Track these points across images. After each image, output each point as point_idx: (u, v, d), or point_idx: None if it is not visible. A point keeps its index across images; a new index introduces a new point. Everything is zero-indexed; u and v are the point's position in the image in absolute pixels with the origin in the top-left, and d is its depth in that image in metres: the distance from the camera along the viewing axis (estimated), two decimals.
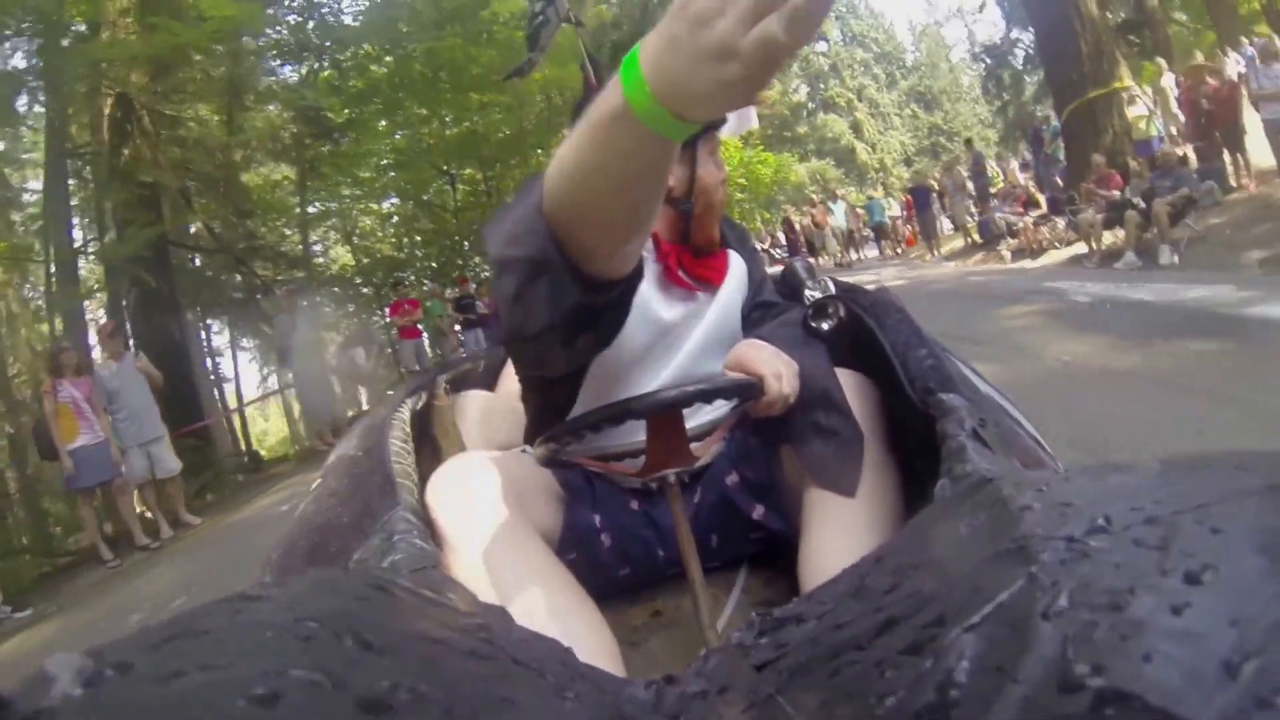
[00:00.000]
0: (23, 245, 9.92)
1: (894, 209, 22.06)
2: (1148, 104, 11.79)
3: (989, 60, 28.56)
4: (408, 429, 1.35)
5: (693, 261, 1.36)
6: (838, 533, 1.11)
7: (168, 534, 7.49)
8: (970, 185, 16.24)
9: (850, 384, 1.22)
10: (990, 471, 0.79)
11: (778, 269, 1.74)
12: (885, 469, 1.18)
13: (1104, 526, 0.41)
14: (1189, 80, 10.74)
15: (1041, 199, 13.24)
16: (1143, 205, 9.06)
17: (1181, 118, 11.24)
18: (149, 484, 7.68)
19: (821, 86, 36.46)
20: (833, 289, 1.49)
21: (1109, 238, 9.97)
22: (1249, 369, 4.29)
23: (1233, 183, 10.16)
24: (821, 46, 37.23)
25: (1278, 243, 7.83)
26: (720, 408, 1.24)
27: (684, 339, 1.32)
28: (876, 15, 38.49)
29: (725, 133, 1.35)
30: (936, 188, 18.15)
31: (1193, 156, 10.35)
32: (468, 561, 1.04)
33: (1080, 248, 10.70)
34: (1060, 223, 11.74)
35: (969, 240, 15.88)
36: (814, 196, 25.94)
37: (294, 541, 1.23)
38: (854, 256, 20.68)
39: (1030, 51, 24.82)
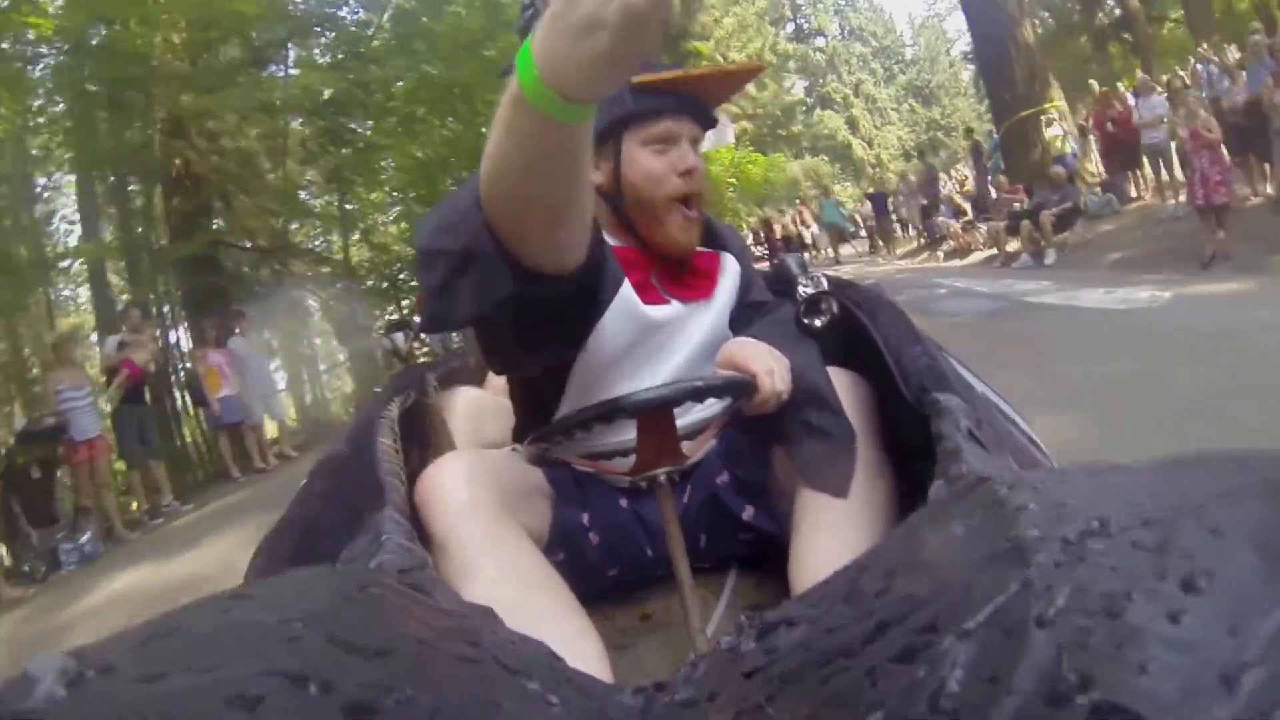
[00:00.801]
0: (103, 244, 11.51)
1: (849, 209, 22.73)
2: (1063, 126, 13.60)
3: (974, 62, 28.83)
4: (396, 427, 1.33)
5: (668, 276, 1.34)
6: (829, 534, 1.10)
7: (273, 463, 9.95)
8: (919, 193, 17.80)
9: (843, 382, 1.21)
10: (985, 471, 0.78)
11: (764, 265, 1.72)
12: (878, 469, 1.17)
13: (1101, 528, 0.40)
14: (1097, 106, 12.34)
15: (967, 207, 15.10)
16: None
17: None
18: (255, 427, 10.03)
19: (819, 82, 36.37)
20: (825, 285, 1.48)
21: (1015, 243, 11.78)
22: (1041, 342, 5.72)
23: (1133, 194, 11.89)
24: (819, 42, 37.22)
25: (1134, 247, 9.56)
26: (712, 406, 1.23)
27: (675, 341, 1.31)
28: (876, 8, 38.29)
29: (703, 147, 1.32)
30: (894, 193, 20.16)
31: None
32: (456, 562, 1.03)
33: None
34: (984, 228, 13.50)
35: (920, 241, 17.72)
36: (809, 193, 25.89)
37: (280, 541, 1.21)
38: (829, 254, 20.96)
39: None
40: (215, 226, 12.27)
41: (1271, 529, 0.36)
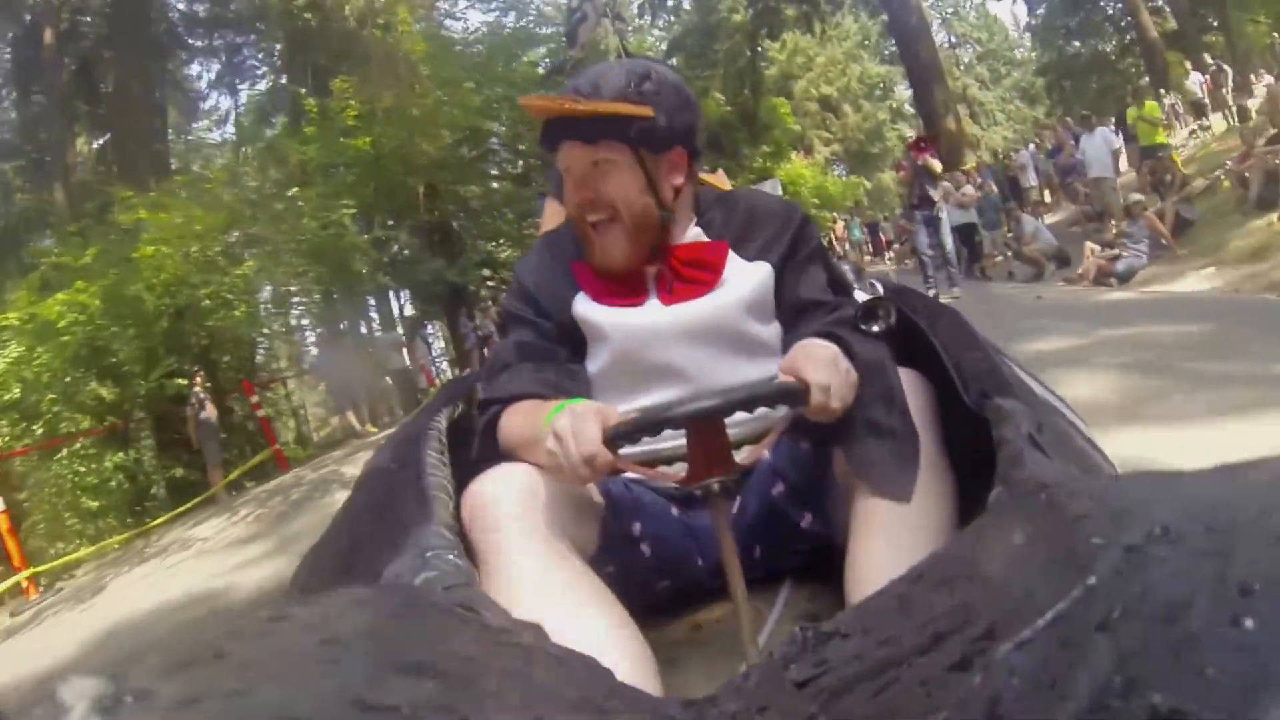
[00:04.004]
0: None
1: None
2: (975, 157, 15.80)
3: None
4: (444, 439, 1.34)
5: (666, 277, 1.35)
6: (886, 540, 1.07)
7: None
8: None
9: (907, 382, 1.17)
10: (1047, 478, 0.75)
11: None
12: (940, 474, 1.13)
13: (1163, 535, 0.38)
14: (1006, 158, 14.62)
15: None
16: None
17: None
18: None
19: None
20: (881, 291, 1.45)
21: None
22: None
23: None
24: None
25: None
26: (766, 413, 1.21)
27: (675, 340, 1.32)
28: (983, 14, 37.92)
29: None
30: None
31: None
32: (503, 577, 1.03)
33: None
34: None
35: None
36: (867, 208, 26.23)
37: (324, 555, 1.22)
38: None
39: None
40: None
41: None
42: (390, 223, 15.83)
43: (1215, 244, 8.69)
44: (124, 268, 10.25)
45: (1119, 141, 11.51)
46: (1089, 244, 9.86)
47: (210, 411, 10.37)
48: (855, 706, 0.47)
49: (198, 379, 10.52)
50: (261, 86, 20.30)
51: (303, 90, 15.77)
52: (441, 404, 1.52)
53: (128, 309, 10.09)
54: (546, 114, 1.32)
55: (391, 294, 18.53)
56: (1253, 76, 12.25)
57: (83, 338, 9.53)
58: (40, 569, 7.38)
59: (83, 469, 9.37)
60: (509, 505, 1.09)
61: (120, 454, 9.71)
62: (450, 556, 0.90)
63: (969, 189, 12.26)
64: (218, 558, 6.04)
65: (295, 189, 13.56)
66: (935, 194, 9.89)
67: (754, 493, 1.31)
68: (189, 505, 9.00)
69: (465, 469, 1.21)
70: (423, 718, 0.42)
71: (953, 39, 38.87)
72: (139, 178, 12.92)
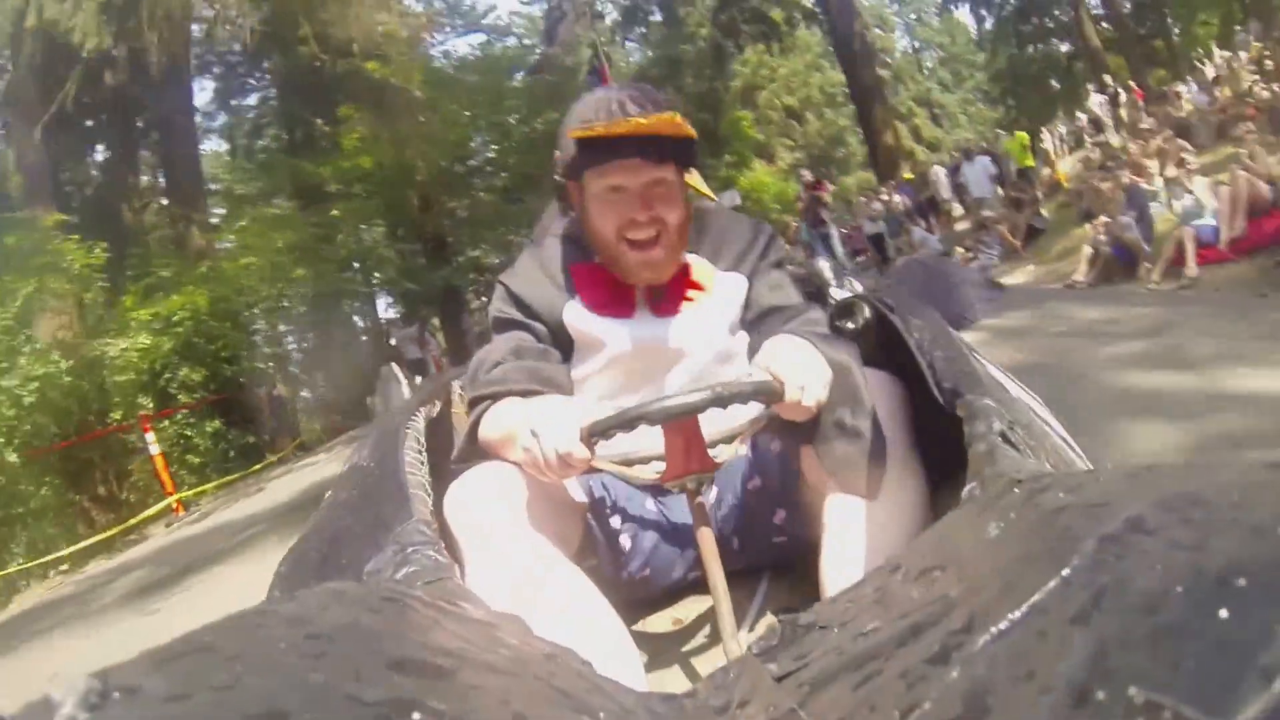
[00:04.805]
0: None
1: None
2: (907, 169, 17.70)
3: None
4: (422, 438, 1.33)
5: (600, 298, 1.37)
6: (858, 536, 1.08)
7: None
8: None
9: (877, 383, 1.19)
10: (1020, 473, 0.76)
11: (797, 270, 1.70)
12: (910, 471, 1.15)
13: (1139, 527, 0.39)
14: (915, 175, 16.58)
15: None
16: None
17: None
18: None
19: (887, 96, 36.81)
20: (859, 289, 1.46)
21: None
22: None
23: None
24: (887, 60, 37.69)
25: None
26: (741, 410, 1.22)
27: (659, 352, 1.34)
28: (947, 19, 38.22)
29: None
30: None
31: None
32: (484, 573, 1.03)
33: None
34: None
35: None
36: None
37: (305, 553, 1.21)
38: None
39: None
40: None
41: None
42: (400, 232, 18.39)
43: (1048, 248, 11.00)
44: (218, 277, 13.81)
45: (995, 168, 14.10)
46: (957, 248, 12.11)
47: (281, 391, 13.88)
48: (836, 700, 0.48)
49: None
50: (251, 100, 21.62)
51: (319, 120, 18.34)
52: (419, 403, 1.52)
53: (222, 309, 13.12)
54: (634, 132, 1.26)
55: (390, 294, 20.37)
56: (1180, 87, 13.13)
57: (190, 331, 12.36)
58: (184, 494, 10.23)
59: (189, 433, 12.02)
60: (491, 501, 1.09)
61: (214, 422, 12.43)
62: (430, 552, 0.90)
63: (876, 205, 14.86)
64: (290, 495, 7.65)
65: (335, 210, 16.37)
66: (826, 216, 13.82)
67: (730, 488, 1.32)
68: (271, 459, 12.53)
69: (442, 467, 1.20)
70: (407, 712, 0.42)
71: (916, 44, 39.28)
72: (185, 197, 16.52)
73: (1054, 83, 24.22)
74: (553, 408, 1.11)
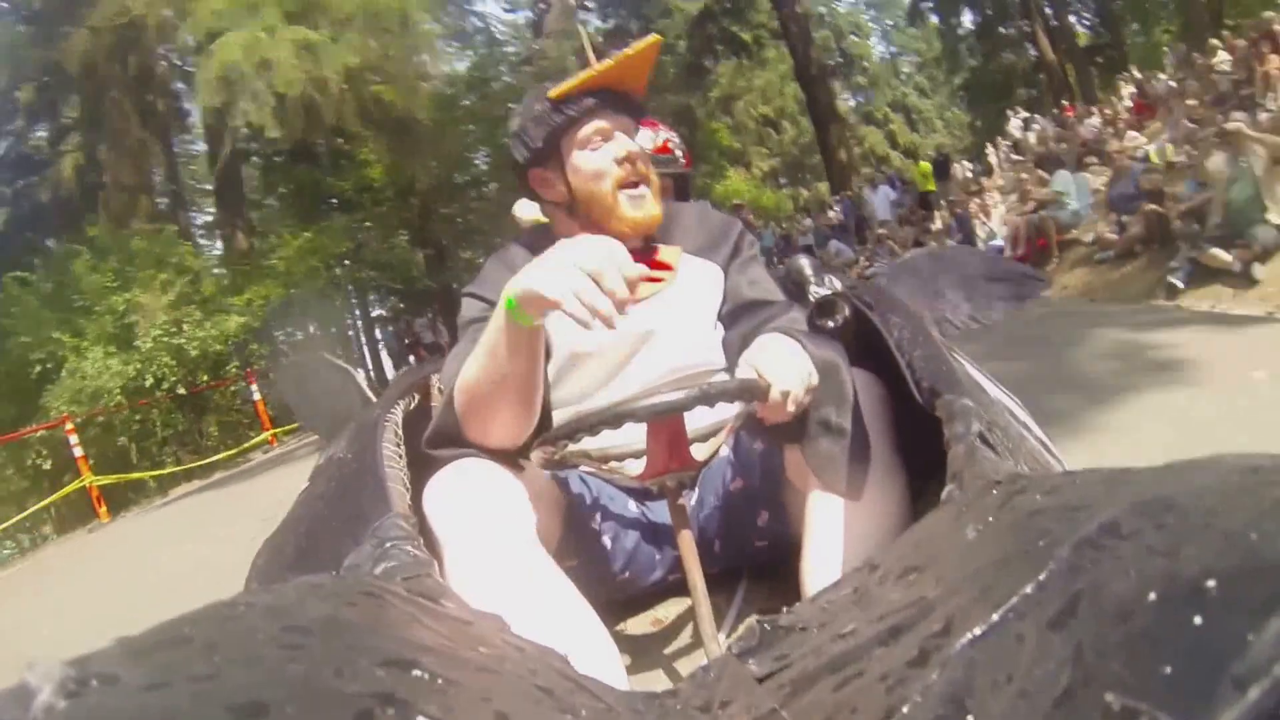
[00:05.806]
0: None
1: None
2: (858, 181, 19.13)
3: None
4: (400, 431, 1.32)
5: None
6: (840, 536, 1.08)
7: None
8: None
9: (858, 382, 1.19)
10: (998, 475, 0.77)
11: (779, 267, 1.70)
12: (892, 471, 1.14)
13: (1114, 532, 0.39)
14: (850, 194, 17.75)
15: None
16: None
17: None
18: None
19: (861, 101, 36.77)
20: (839, 286, 1.46)
21: None
22: None
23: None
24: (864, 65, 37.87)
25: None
26: (724, 409, 1.21)
27: (633, 337, 1.34)
28: (924, 25, 38.52)
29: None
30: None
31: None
32: (464, 568, 1.02)
33: None
34: None
35: None
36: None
37: (282, 546, 1.20)
38: None
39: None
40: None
41: None
42: (404, 235, 21.07)
43: None
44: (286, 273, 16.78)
45: (895, 194, 16.51)
46: (862, 259, 13.55)
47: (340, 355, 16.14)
48: (817, 701, 0.48)
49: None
50: None
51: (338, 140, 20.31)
52: (397, 396, 1.50)
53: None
54: (616, 64, 1.31)
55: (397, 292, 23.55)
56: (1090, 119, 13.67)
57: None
58: (276, 430, 13.10)
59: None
60: (469, 497, 1.08)
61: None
62: (409, 547, 0.89)
63: (807, 221, 17.52)
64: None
65: (367, 222, 19.38)
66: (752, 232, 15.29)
67: (712, 489, 1.32)
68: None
69: (420, 461, 1.19)
70: (385, 707, 0.42)
71: (893, 50, 39.62)
72: (229, 206, 18.65)
73: (1021, 93, 24.72)
74: (587, 239, 1.00)
